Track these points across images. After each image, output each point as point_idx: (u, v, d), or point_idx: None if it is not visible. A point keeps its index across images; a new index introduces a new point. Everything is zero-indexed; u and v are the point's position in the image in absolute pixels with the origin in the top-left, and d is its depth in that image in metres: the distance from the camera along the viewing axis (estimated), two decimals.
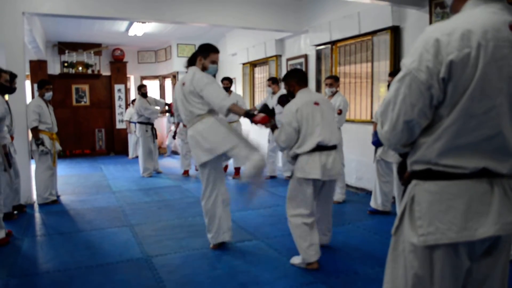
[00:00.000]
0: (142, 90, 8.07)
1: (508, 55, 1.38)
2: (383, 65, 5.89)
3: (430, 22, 5.08)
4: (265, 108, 3.77)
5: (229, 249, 3.94)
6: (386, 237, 4.19)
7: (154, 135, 8.08)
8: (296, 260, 3.53)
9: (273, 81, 7.12)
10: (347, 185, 6.14)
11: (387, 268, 1.65)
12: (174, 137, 8.66)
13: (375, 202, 5.13)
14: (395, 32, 5.60)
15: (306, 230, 3.45)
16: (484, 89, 1.36)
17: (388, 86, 4.94)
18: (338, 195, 5.69)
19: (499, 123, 1.40)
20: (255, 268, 3.51)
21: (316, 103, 3.48)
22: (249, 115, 3.67)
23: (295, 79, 3.63)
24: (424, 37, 1.43)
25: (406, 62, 1.46)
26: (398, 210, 1.62)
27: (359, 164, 6.29)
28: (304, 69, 7.59)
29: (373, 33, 5.93)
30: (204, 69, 3.77)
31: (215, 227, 3.90)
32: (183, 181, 7.52)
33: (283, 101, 3.80)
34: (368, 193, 6.02)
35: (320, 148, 3.40)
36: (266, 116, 3.62)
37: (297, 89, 3.61)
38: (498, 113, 1.39)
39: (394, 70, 5.15)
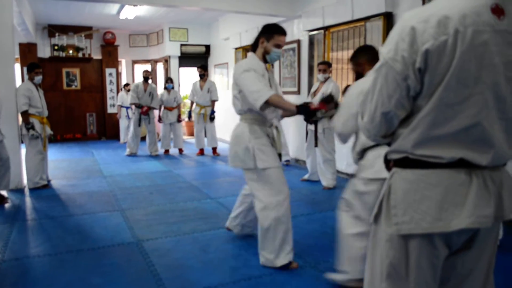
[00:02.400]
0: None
1: (489, 41, 1.30)
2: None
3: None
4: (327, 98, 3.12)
5: (219, 234, 3.97)
6: None
7: (140, 120, 8.61)
8: (341, 276, 2.89)
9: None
10: (338, 171, 6.18)
11: (367, 256, 1.64)
12: (159, 120, 8.84)
13: None
14: (388, 18, 5.58)
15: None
16: (461, 78, 1.30)
17: None
18: (329, 180, 5.74)
19: (476, 113, 1.33)
20: (246, 252, 3.54)
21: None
22: (302, 107, 3.01)
23: (367, 57, 2.87)
24: (400, 25, 1.37)
25: (383, 51, 1.40)
26: (378, 198, 1.58)
27: (350, 151, 6.30)
28: (296, 55, 7.56)
29: (366, 19, 5.90)
30: (266, 53, 3.16)
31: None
32: (174, 166, 7.52)
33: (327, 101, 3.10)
34: None
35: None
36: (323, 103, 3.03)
37: (367, 69, 2.84)
38: (475, 103, 1.33)
39: None
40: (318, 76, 5.82)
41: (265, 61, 3.20)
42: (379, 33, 5.73)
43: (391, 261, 1.48)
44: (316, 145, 5.65)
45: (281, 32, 3.18)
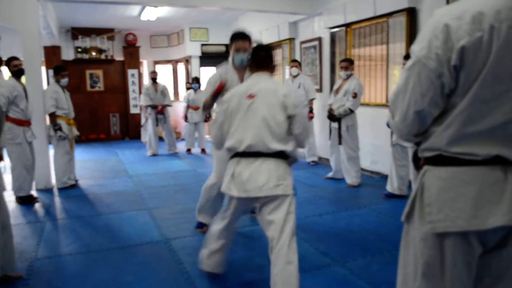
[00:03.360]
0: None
1: None
2: (399, 47, 5.82)
3: (447, 2, 5.00)
4: None
5: (246, 233, 4.00)
6: None
7: (157, 120, 8.82)
8: None
9: (299, 63, 7.32)
10: (362, 169, 6.14)
11: (400, 255, 1.63)
12: (185, 120, 8.97)
13: (391, 186, 5.12)
14: (412, 14, 5.51)
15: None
16: (497, 73, 1.29)
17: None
18: (353, 178, 5.71)
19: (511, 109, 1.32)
20: None
21: (251, 96, 2.63)
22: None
23: (250, 61, 2.84)
24: (433, 22, 1.36)
25: (415, 50, 1.39)
26: (410, 197, 1.57)
27: (374, 148, 6.28)
28: (318, 52, 7.54)
29: (389, 15, 5.84)
30: (232, 60, 3.50)
31: None
32: (198, 165, 7.58)
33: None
34: (383, 177, 6.02)
35: (238, 154, 2.65)
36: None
37: (252, 72, 2.84)
38: (511, 98, 1.32)
39: (409, 53, 5.09)
40: (340, 73, 5.79)
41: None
42: (402, 28, 5.67)
43: (426, 260, 1.46)
44: (340, 143, 5.67)
45: (238, 37, 3.40)
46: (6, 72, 5.18)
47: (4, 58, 4.91)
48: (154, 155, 8.81)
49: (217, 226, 2.90)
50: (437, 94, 1.37)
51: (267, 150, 2.56)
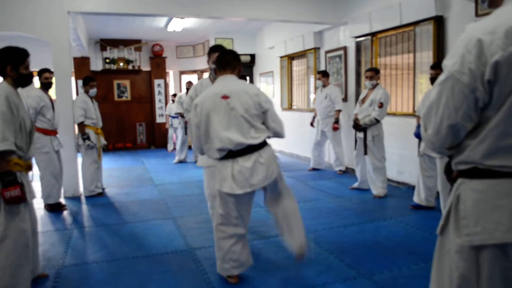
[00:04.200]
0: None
1: None
2: (426, 56, 5.73)
3: (476, 12, 4.90)
4: None
5: (271, 242, 3.97)
6: (430, 232, 4.12)
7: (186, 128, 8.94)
8: None
9: (324, 74, 7.36)
10: (388, 179, 6.04)
11: (433, 268, 1.62)
12: None
13: (418, 197, 5.02)
14: (439, 22, 5.43)
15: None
16: None
17: (431, 79, 4.79)
18: (379, 189, 5.62)
19: None
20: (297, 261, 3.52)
21: (225, 97, 2.85)
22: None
23: (216, 64, 3.07)
24: (465, 37, 1.37)
25: (448, 64, 1.40)
26: (444, 209, 1.58)
27: (401, 158, 6.17)
28: (343, 62, 7.50)
29: (415, 23, 5.77)
30: (210, 70, 3.83)
31: None
32: None
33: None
34: (410, 188, 5.91)
35: (231, 154, 2.84)
36: None
37: (218, 75, 3.06)
38: None
39: (437, 62, 5.00)
40: (365, 83, 5.74)
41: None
42: (429, 37, 5.59)
43: (462, 273, 1.46)
44: (365, 153, 5.60)
45: (215, 50, 3.66)
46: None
47: (35, 69, 5.06)
48: (180, 162, 9.05)
49: (226, 229, 3.02)
50: (471, 108, 1.38)
51: (255, 142, 2.85)
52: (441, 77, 1.43)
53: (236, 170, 2.81)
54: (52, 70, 5.33)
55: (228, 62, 3.01)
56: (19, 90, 2.94)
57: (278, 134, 3.04)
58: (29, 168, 2.92)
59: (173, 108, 10.65)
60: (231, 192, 2.83)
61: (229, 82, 2.95)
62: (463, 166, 1.47)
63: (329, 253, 3.66)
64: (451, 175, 1.60)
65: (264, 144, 2.94)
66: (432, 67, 4.77)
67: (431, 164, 4.83)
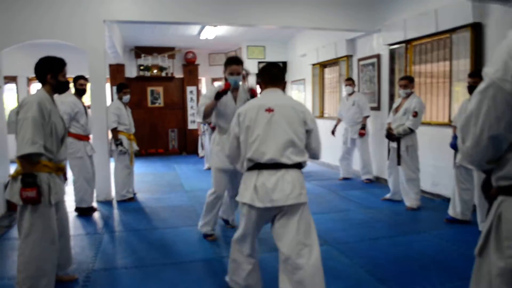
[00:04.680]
0: None
1: None
2: (463, 64, 5.55)
3: None
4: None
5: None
6: (466, 248, 3.96)
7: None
8: None
9: (352, 80, 7.51)
10: (422, 191, 5.86)
11: None
12: None
13: (454, 210, 4.84)
14: (476, 29, 5.25)
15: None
16: None
17: (468, 88, 4.63)
18: (413, 201, 5.47)
19: None
20: (326, 274, 3.44)
21: (270, 110, 2.75)
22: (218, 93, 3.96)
23: (262, 77, 2.98)
24: (508, 43, 1.30)
25: (489, 72, 1.32)
26: (483, 228, 1.48)
27: (435, 169, 5.98)
28: (376, 70, 7.37)
29: (452, 30, 5.60)
30: (225, 80, 4.06)
31: None
32: None
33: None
34: (445, 200, 5.72)
35: (258, 166, 2.72)
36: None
37: (263, 88, 2.99)
38: None
39: (475, 70, 4.83)
40: (399, 92, 5.61)
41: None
42: (466, 43, 5.41)
43: None
44: (399, 164, 5.46)
45: (233, 62, 4.04)
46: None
47: (70, 75, 5.20)
48: (210, 168, 8.93)
49: (242, 248, 2.92)
50: None
51: (288, 162, 2.68)
52: (482, 85, 1.34)
53: (260, 182, 2.66)
54: (86, 77, 5.44)
55: (276, 76, 2.93)
56: (55, 96, 3.09)
57: (316, 156, 2.90)
58: (60, 170, 3.05)
59: None
60: (251, 203, 2.68)
61: (275, 96, 2.86)
62: (505, 182, 1.37)
63: (360, 267, 3.57)
64: (489, 192, 1.50)
65: (297, 166, 2.75)
66: (470, 76, 4.61)
67: (468, 176, 4.66)
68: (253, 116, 2.76)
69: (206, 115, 4.04)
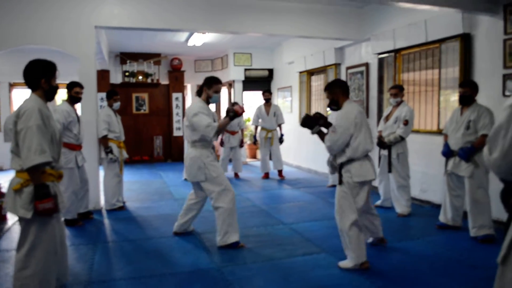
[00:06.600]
0: None
1: None
2: (451, 72, 5.67)
3: (505, 30, 4.86)
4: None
5: (299, 262, 3.92)
6: (460, 253, 4.05)
7: None
8: (348, 264, 3.73)
9: None
10: (412, 198, 5.92)
11: None
12: (221, 144, 8.90)
13: (445, 216, 4.92)
14: (466, 40, 5.38)
15: (358, 232, 3.72)
16: None
17: (460, 97, 4.69)
18: (404, 207, 5.54)
19: None
20: (325, 282, 3.46)
21: (362, 113, 3.79)
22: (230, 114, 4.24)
23: (341, 88, 3.87)
24: None
25: None
26: (506, 237, 1.52)
27: (425, 176, 6.08)
28: (365, 78, 7.47)
29: (441, 40, 5.73)
30: (209, 97, 4.42)
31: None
32: (242, 190, 7.56)
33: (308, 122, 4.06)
34: (434, 206, 5.82)
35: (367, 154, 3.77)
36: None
37: (343, 98, 3.84)
38: None
39: (465, 80, 4.94)
40: (390, 100, 5.70)
41: (208, 102, 4.45)
42: (455, 52, 5.54)
43: None
44: (389, 171, 5.53)
45: (219, 82, 4.46)
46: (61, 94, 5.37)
47: (60, 81, 5.10)
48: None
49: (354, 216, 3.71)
50: None
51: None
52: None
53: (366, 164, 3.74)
54: (82, 84, 5.33)
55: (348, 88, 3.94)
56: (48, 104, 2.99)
57: None
58: (61, 177, 2.99)
59: None
60: (373, 178, 3.77)
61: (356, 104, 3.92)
62: None
63: (359, 274, 3.59)
64: (508, 201, 1.55)
65: None
66: (461, 86, 4.69)
67: (459, 183, 4.75)
68: (361, 120, 3.72)
69: (219, 132, 4.29)
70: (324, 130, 3.94)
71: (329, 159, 4.00)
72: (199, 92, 4.54)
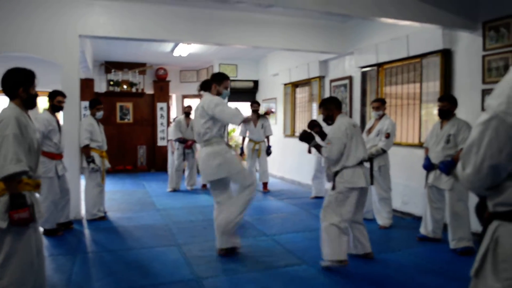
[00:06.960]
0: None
1: None
2: (432, 86, 5.78)
3: (484, 46, 4.98)
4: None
5: (279, 273, 3.91)
6: (440, 265, 4.09)
7: (185, 154, 8.69)
8: (326, 262, 3.97)
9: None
10: (393, 210, 5.98)
11: None
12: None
13: (425, 229, 4.98)
14: (446, 55, 5.50)
15: (339, 233, 3.93)
16: None
17: (439, 111, 4.77)
18: (385, 219, 5.59)
19: None
20: None
21: (354, 126, 4.13)
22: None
23: (335, 105, 4.25)
24: (511, 77, 1.38)
25: (492, 104, 1.39)
26: (479, 250, 1.55)
27: (406, 189, 6.15)
28: (348, 91, 7.57)
29: (423, 55, 5.85)
30: (218, 94, 4.41)
31: None
32: None
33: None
34: (415, 219, 5.88)
35: (360, 162, 4.04)
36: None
37: (337, 113, 4.23)
38: None
39: (444, 95, 5.04)
40: (372, 113, 5.77)
41: None
42: (436, 67, 5.66)
43: None
44: (371, 183, 5.56)
45: (227, 77, 4.51)
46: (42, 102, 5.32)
47: (41, 89, 5.05)
48: (174, 190, 8.58)
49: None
50: None
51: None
52: (485, 116, 1.42)
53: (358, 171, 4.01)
54: (65, 93, 5.29)
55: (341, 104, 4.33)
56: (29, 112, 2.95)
57: None
58: (38, 186, 2.93)
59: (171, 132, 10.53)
60: (363, 186, 4.01)
61: (348, 118, 4.36)
62: (502, 208, 1.45)
63: (342, 286, 3.60)
64: (482, 215, 1.58)
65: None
66: (440, 100, 4.77)
67: (439, 196, 4.81)
68: (351, 131, 4.04)
69: (245, 121, 4.38)
70: (321, 143, 4.31)
71: (326, 168, 4.39)
72: (203, 87, 4.64)
